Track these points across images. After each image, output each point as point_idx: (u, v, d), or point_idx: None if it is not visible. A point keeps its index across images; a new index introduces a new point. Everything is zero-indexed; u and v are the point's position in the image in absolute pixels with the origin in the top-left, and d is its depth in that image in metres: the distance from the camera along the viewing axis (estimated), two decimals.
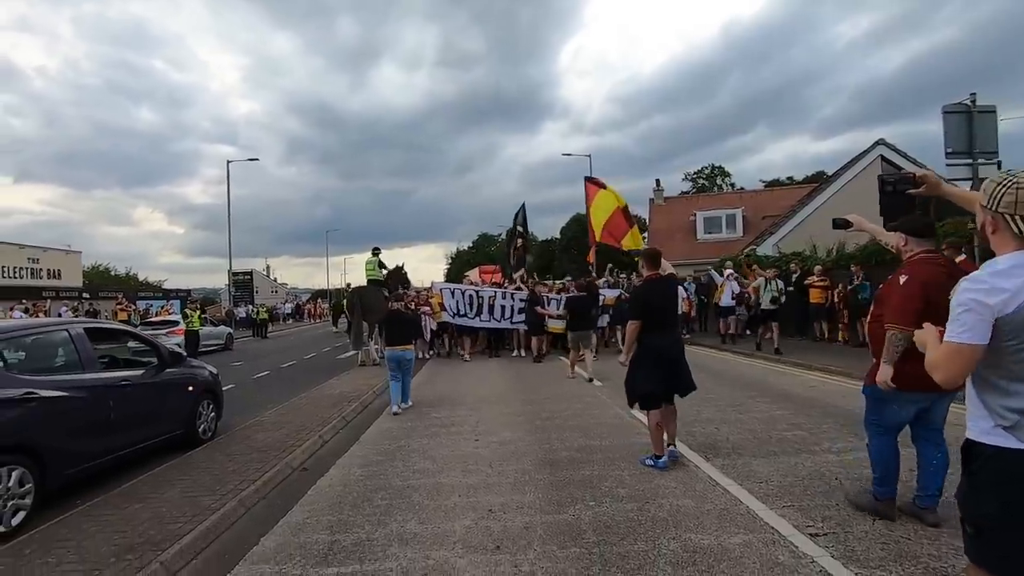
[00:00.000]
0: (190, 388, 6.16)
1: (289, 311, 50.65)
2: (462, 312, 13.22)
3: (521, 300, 13.04)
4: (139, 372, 5.57)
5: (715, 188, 57.55)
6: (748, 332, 14.40)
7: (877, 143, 18.74)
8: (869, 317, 3.64)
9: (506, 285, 15.08)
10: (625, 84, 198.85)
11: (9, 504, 3.89)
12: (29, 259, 39.43)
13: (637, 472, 4.61)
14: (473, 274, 20.29)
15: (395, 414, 7.33)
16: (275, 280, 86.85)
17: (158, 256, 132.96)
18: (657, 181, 32.82)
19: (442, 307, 13.41)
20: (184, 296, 45.87)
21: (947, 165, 9.23)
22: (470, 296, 13.32)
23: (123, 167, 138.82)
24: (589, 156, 28.58)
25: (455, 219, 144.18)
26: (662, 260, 4.82)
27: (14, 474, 3.94)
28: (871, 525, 3.43)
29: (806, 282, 13.08)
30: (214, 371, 6.81)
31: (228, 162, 30.82)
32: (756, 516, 3.62)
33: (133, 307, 26.34)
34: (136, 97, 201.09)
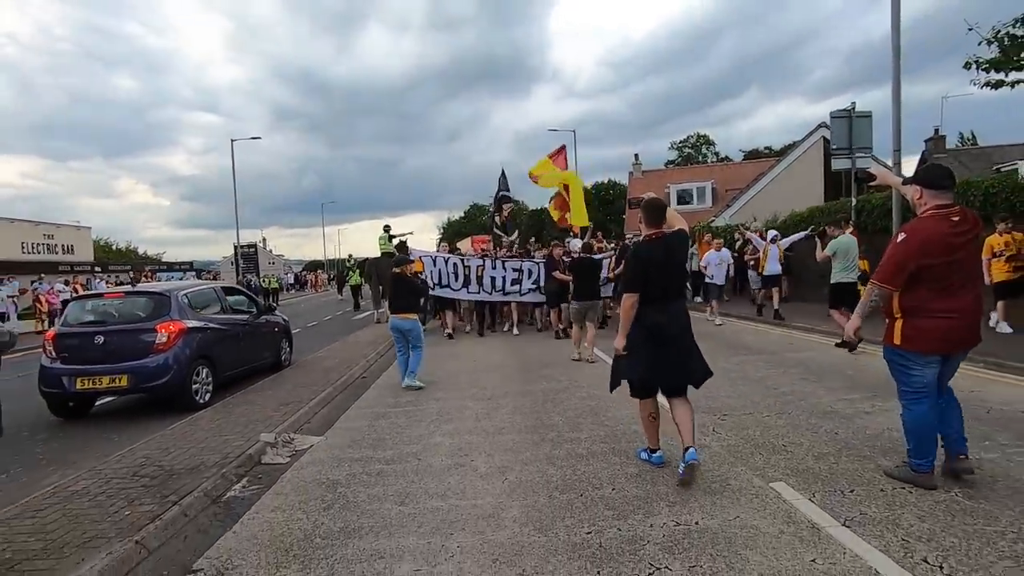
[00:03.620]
0: (276, 329, 8.92)
1: (291, 281, 53.17)
2: (444, 282, 11.83)
3: (514, 270, 11.85)
4: (246, 316, 8.28)
5: (700, 157, 60.09)
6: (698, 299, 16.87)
7: (819, 126, 21.32)
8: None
9: (495, 252, 13.91)
10: (618, 47, 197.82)
11: (204, 388, 6.67)
12: (44, 235, 41.55)
13: (571, 367, 7.49)
14: (465, 244, 22.21)
15: (405, 388, 6.86)
16: (271, 252, 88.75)
17: (144, 229, 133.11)
18: (636, 156, 35.46)
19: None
20: (186, 269, 48.25)
21: (833, 157, 11.95)
22: (454, 265, 11.96)
23: (103, 137, 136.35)
24: (573, 131, 31.01)
25: (445, 188, 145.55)
26: (668, 213, 3.78)
27: (204, 370, 6.71)
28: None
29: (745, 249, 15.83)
30: (287, 319, 9.54)
31: (232, 140, 32.65)
32: None
33: (158, 279, 28.84)
34: (112, 63, 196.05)
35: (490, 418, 5.47)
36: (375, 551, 2.99)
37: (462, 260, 12.24)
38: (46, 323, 18.71)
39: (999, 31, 6.14)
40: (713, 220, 21.91)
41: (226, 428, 5.40)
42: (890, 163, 11.48)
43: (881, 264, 3.23)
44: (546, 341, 10.56)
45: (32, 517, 3.50)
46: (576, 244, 11.08)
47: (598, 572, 2.66)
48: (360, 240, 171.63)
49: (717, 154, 61.27)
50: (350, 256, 28.60)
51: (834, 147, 11.72)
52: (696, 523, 3.06)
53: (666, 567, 2.65)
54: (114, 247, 65.53)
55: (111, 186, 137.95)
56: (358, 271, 24.81)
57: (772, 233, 12.51)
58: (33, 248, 40.03)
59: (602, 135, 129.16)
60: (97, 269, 41.44)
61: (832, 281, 8.03)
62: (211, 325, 7.00)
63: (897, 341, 3.27)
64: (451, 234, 58.96)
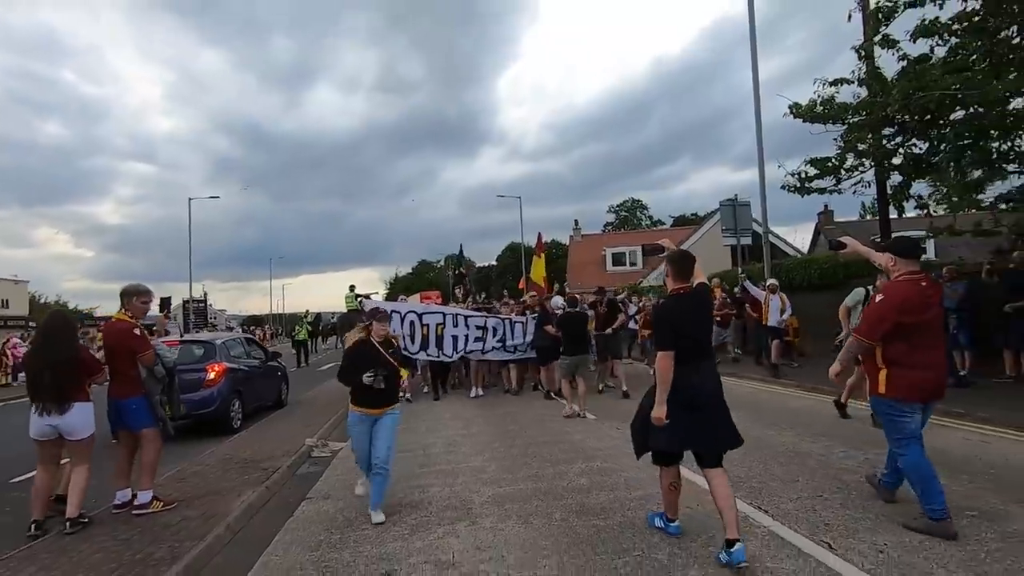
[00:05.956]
0: (279, 373, 10.78)
1: None
2: (400, 344, 10.09)
3: (478, 327, 10.73)
4: (258, 362, 10.13)
5: (635, 220, 65.69)
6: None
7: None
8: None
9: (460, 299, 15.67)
10: (560, 112, 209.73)
11: (237, 415, 8.51)
12: None
13: (527, 399, 9.76)
14: (414, 300, 23.55)
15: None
16: (211, 306, 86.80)
17: (60, 281, 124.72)
18: (576, 221, 39.26)
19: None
20: None
21: (723, 236, 15.23)
22: (411, 324, 10.36)
23: (23, 184, 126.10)
24: (519, 197, 34.39)
25: (392, 243, 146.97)
26: (695, 267, 3.60)
27: (237, 403, 8.56)
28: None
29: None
30: (284, 364, 11.39)
31: (190, 199, 33.77)
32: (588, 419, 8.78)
33: None
34: (41, 109, 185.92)
35: (467, 429, 7.67)
36: (413, 485, 5.15)
37: (419, 317, 10.56)
38: (10, 376, 19.08)
39: (796, 170, 9.33)
40: (641, 281, 25.17)
41: (271, 440, 7.31)
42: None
43: (866, 323, 3.70)
44: (512, 398, 10.32)
45: (181, 481, 5.41)
46: (558, 301, 10.45)
47: (540, 485, 4.94)
48: (303, 294, 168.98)
49: (650, 218, 67.15)
50: (307, 312, 29.81)
51: (724, 228, 15.01)
52: (605, 466, 5.39)
53: (580, 484, 4.97)
54: (42, 300, 63.13)
55: (27, 235, 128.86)
56: (307, 327, 26.18)
57: (771, 281, 11.32)
58: None
59: (547, 195, 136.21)
60: (31, 323, 40.33)
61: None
62: (241, 367, 8.90)
63: (882, 390, 3.63)
64: (399, 289, 60.34)
